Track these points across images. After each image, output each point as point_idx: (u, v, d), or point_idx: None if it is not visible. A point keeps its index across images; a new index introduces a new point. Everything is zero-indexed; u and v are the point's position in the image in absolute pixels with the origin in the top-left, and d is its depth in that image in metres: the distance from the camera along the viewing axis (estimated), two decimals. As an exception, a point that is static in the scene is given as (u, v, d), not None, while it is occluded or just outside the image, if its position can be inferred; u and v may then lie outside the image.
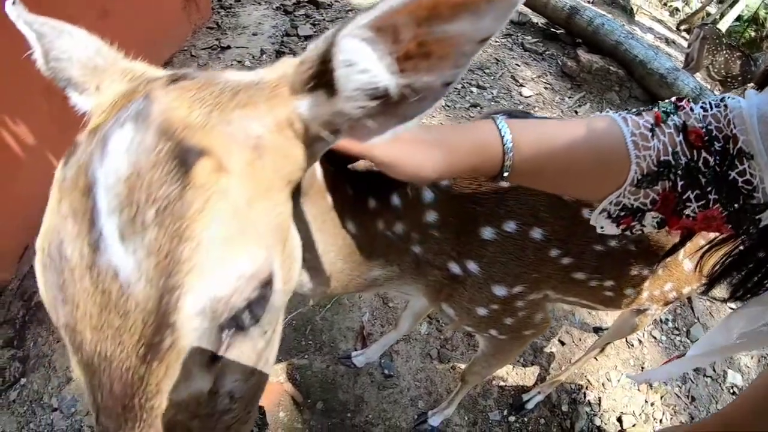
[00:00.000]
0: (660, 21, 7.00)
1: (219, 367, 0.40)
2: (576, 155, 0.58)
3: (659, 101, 0.63)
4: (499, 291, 0.88)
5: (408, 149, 0.56)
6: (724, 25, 6.82)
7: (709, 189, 0.56)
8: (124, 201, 0.35)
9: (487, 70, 3.42)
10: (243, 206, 0.38)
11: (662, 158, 0.56)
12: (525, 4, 4.40)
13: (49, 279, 0.37)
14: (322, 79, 0.40)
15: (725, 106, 0.57)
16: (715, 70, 4.51)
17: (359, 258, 0.77)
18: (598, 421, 1.78)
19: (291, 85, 0.42)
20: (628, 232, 0.65)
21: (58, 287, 0.37)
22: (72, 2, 1.99)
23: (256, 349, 0.43)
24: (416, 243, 0.83)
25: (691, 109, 0.59)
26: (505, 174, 0.57)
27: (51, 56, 0.52)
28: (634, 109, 0.61)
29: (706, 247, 0.77)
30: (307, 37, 3.37)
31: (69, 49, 0.52)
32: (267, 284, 0.40)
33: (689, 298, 2.25)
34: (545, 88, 3.49)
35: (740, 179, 0.54)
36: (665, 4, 8.13)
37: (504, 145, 0.56)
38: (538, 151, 0.57)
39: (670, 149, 0.56)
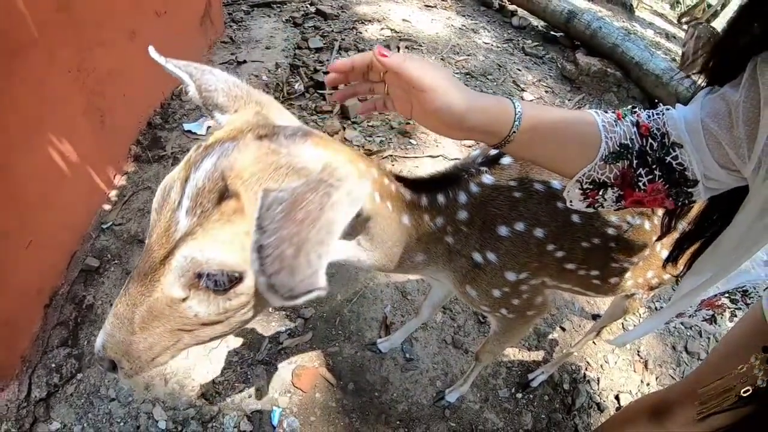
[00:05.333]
0: (661, 15, 6.98)
1: (192, 294, 0.65)
2: (561, 132, 0.74)
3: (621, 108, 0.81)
4: (510, 276, 1.09)
5: (446, 84, 0.66)
6: (725, 17, 6.76)
7: (654, 167, 0.72)
8: (194, 194, 0.63)
9: (490, 76, 3.57)
10: (241, 233, 0.62)
11: (622, 142, 0.73)
12: (525, 8, 4.54)
13: (158, 199, 0.67)
14: None
15: (662, 113, 0.74)
16: (711, 67, 4.61)
17: (409, 243, 0.98)
18: (597, 399, 1.94)
19: None
20: (591, 208, 0.80)
21: (159, 205, 0.66)
22: (105, 27, 2.12)
23: (214, 310, 0.67)
24: (450, 235, 1.03)
25: (640, 114, 0.77)
26: (511, 137, 0.70)
27: (203, 89, 0.76)
28: (602, 110, 0.79)
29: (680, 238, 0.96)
30: (318, 50, 3.49)
31: (214, 84, 0.77)
32: (235, 279, 0.64)
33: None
34: (546, 91, 3.62)
35: (674, 162, 0.72)
36: (665, -3, 8.10)
37: (515, 120, 0.70)
38: (536, 125, 0.72)
39: (627, 136, 0.74)
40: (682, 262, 0.97)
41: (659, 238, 1.01)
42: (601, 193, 0.77)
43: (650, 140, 0.73)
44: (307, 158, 0.67)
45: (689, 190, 0.74)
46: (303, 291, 0.51)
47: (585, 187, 0.77)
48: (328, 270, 0.93)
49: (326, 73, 0.74)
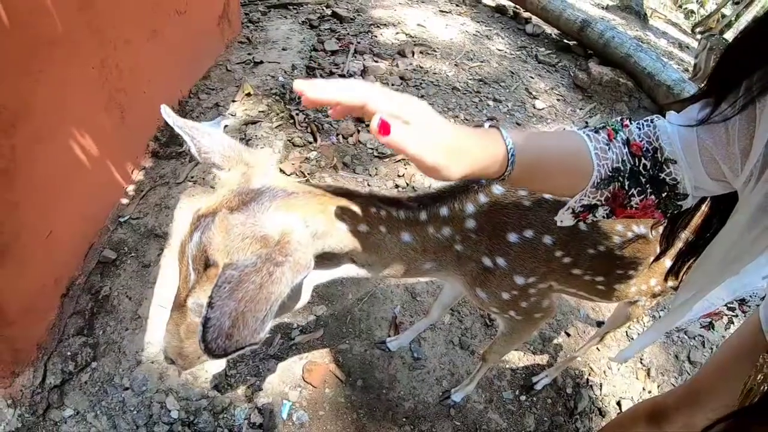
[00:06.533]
0: (675, 24, 6.93)
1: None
2: (553, 166, 0.73)
3: (609, 120, 0.77)
4: (519, 280, 1.14)
5: (444, 160, 0.61)
6: (739, 28, 6.70)
7: (647, 185, 0.72)
8: (191, 258, 0.82)
9: (502, 83, 3.60)
10: None
11: (614, 166, 0.71)
12: (539, 16, 4.56)
13: (179, 249, 0.86)
14: None
15: (654, 126, 0.73)
16: (723, 79, 4.60)
17: (414, 256, 1.04)
18: (599, 404, 1.97)
19: None
20: (581, 222, 0.81)
21: (180, 255, 0.85)
22: (127, 26, 2.17)
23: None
24: (458, 242, 1.08)
25: (630, 129, 0.73)
26: (505, 178, 0.69)
27: (202, 151, 0.89)
28: (592, 127, 0.77)
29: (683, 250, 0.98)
30: (334, 52, 3.53)
31: (211, 145, 0.90)
32: None
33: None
34: (558, 100, 3.64)
35: (668, 178, 0.71)
36: (680, 7, 8.05)
37: (509, 161, 0.67)
38: (528, 164, 0.71)
39: (619, 158, 0.71)
40: (684, 273, 1.00)
41: (660, 254, 1.03)
42: (592, 212, 0.78)
43: (642, 160, 0.72)
44: (269, 226, 0.79)
45: (679, 202, 0.76)
46: (234, 349, 0.65)
47: (577, 211, 0.78)
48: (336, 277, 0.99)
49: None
